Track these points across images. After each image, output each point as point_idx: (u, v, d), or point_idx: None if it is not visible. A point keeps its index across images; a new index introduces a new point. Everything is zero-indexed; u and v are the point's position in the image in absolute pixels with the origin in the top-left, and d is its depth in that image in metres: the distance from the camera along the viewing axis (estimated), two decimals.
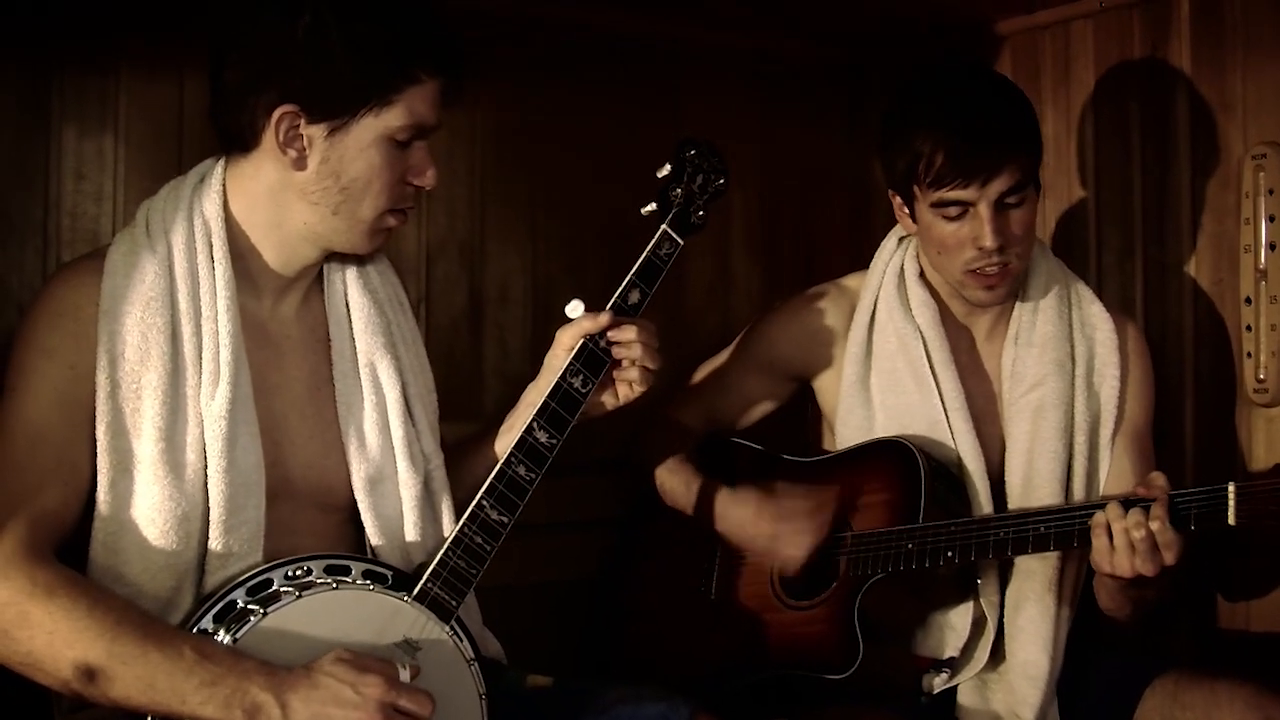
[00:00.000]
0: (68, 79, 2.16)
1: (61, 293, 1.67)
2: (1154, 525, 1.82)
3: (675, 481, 2.22)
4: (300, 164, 1.70)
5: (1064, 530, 1.90)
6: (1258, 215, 2.26)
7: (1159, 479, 1.89)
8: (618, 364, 1.90)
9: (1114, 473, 2.13)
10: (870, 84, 2.98)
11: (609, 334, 1.86)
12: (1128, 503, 1.86)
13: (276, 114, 1.67)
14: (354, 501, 1.80)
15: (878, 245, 2.89)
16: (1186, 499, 1.84)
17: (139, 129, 2.22)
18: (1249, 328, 2.29)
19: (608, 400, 1.91)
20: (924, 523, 1.99)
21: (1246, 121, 2.31)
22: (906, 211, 2.16)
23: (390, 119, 1.70)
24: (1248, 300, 2.29)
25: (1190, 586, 2.29)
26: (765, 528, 2.09)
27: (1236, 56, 2.33)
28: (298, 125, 1.68)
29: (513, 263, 2.59)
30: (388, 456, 1.81)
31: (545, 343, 2.52)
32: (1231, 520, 1.76)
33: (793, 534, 2.06)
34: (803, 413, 2.43)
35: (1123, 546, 1.84)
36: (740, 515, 2.13)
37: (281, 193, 1.73)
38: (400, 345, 1.87)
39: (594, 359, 1.88)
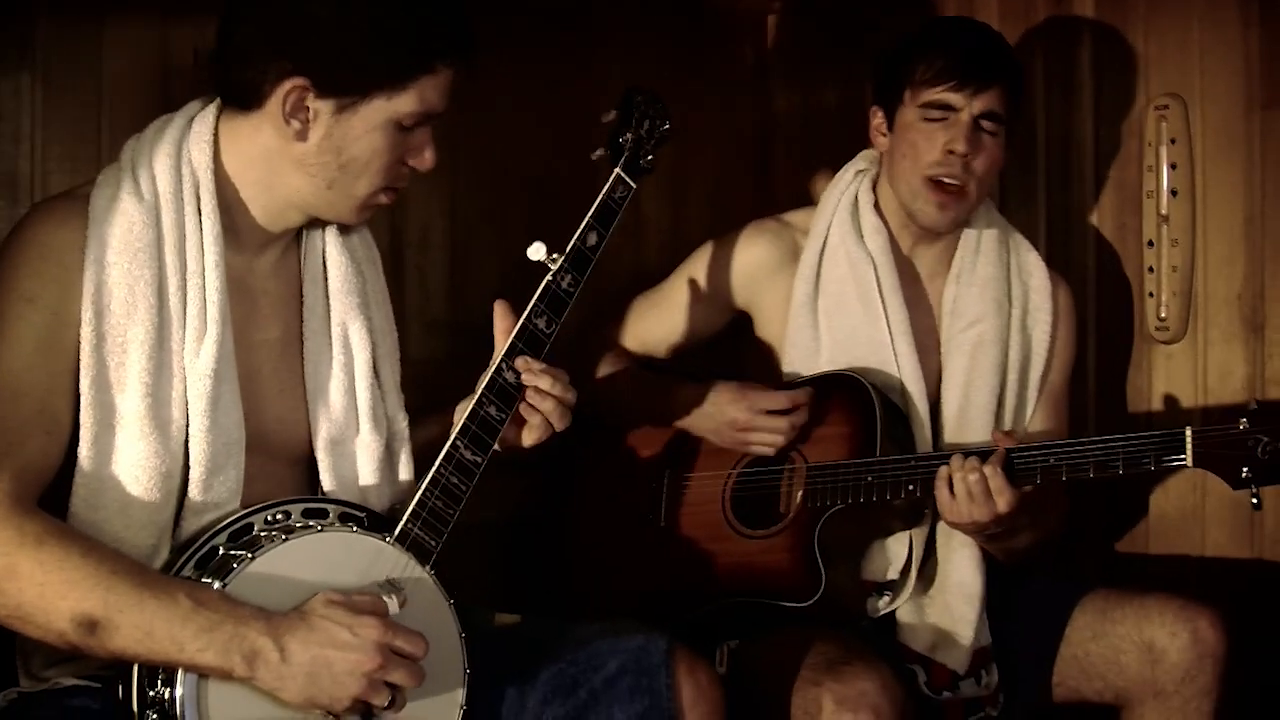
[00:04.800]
0: None
1: (44, 236, 1.61)
2: (986, 470, 1.95)
3: (635, 385, 2.28)
4: (302, 135, 1.67)
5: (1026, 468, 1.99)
6: (1160, 163, 2.40)
7: (1002, 437, 2.03)
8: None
9: (1031, 426, 2.26)
10: (780, 35, 3.05)
11: (524, 377, 1.82)
12: (969, 453, 2.00)
13: (287, 84, 1.63)
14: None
15: (780, 191, 3.00)
16: (1021, 453, 1.97)
17: (58, 68, 2.13)
18: (1151, 269, 2.43)
19: (524, 438, 1.85)
20: (882, 456, 2.07)
21: (1149, 73, 2.45)
22: (885, 126, 2.26)
23: (400, 104, 1.68)
24: (1150, 243, 2.43)
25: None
26: (743, 416, 2.15)
27: (1139, 10, 2.46)
28: (305, 98, 1.65)
29: (433, 207, 2.57)
30: (350, 418, 1.80)
31: (465, 287, 2.57)
32: (1189, 462, 1.88)
33: (770, 429, 2.14)
34: (735, 346, 2.48)
35: (962, 495, 1.97)
36: (717, 403, 2.18)
37: (277, 158, 1.70)
38: (373, 306, 1.86)
39: (558, 300, 1.89)
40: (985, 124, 2.15)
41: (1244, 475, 1.86)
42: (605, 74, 2.72)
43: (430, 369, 2.24)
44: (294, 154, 1.69)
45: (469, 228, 2.61)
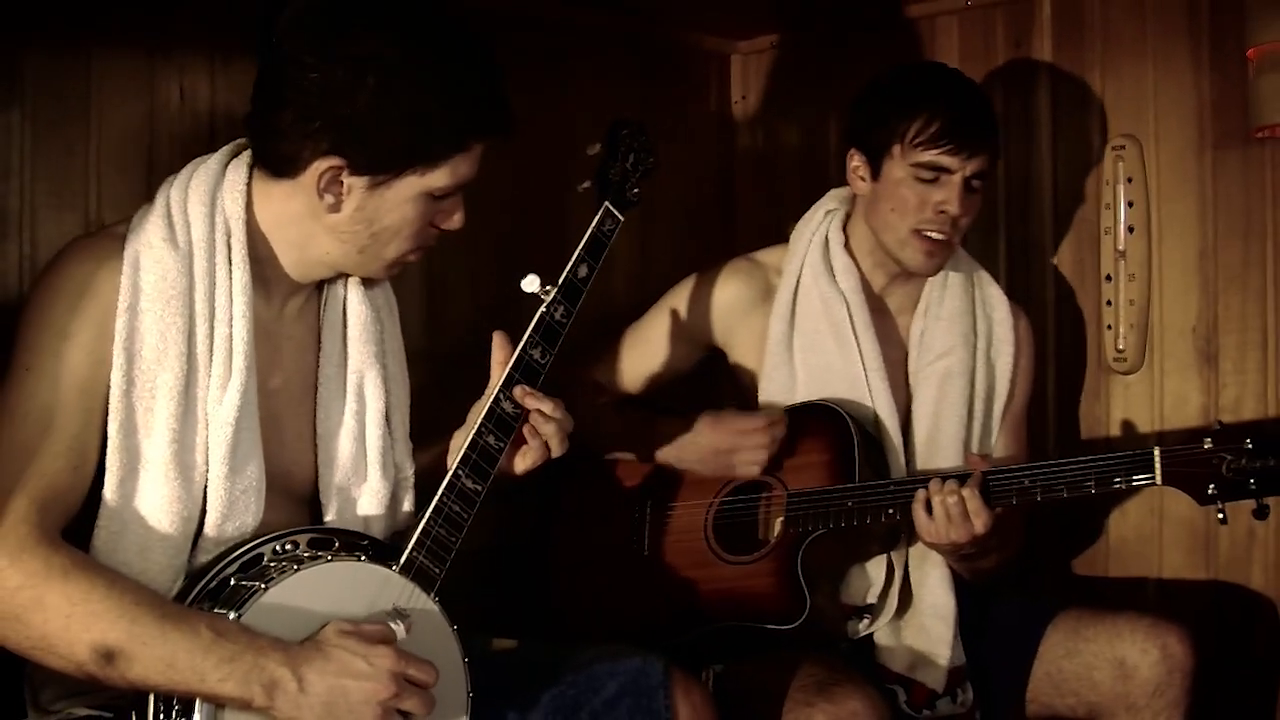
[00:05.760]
0: None
1: (81, 275, 1.63)
2: (964, 492, 2.03)
3: (619, 421, 2.32)
4: (335, 208, 1.70)
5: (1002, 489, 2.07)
6: (1117, 201, 2.51)
7: (977, 461, 2.12)
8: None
9: (995, 451, 2.34)
10: (744, 75, 3.15)
11: (526, 401, 1.86)
12: (947, 476, 2.08)
13: (323, 164, 1.66)
14: None
15: (744, 225, 3.08)
16: (996, 475, 2.06)
17: (46, 105, 2.14)
18: (1109, 303, 2.53)
19: (517, 464, 1.90)
20: (861, 482, 2.14)
21: (1106, 114, 2.56)
22: (866, 170, 2.29)
23: (434, 179, 1.71)
24: (1108, 278, 2.53)
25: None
26: (725, 440, 2.22)
27: (1096, 54, 2.57)
28: (340, 174, 1.68)
29: None
30: (359, 464, 1.83)
31: (440, 318, 2.60)
32: (1159, 480, 1.97)
33: (752, 447, 2.20)
34: (708, 380, 2.55)
35: (940, 516, 2.05)
36: (698, 432, 2.24)
37: (310, 223, 1.73)
38: (389, 355, 1.90)
39: (552, 331, 1.93)
40: (974, 181, 2.22)
41: (1210, 492, 1.95)
42: (576, 110, 2.78)
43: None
44: (326, 222, 1.72)
45: (444, 260, 2.64)
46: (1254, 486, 1.93)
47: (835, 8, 2.88)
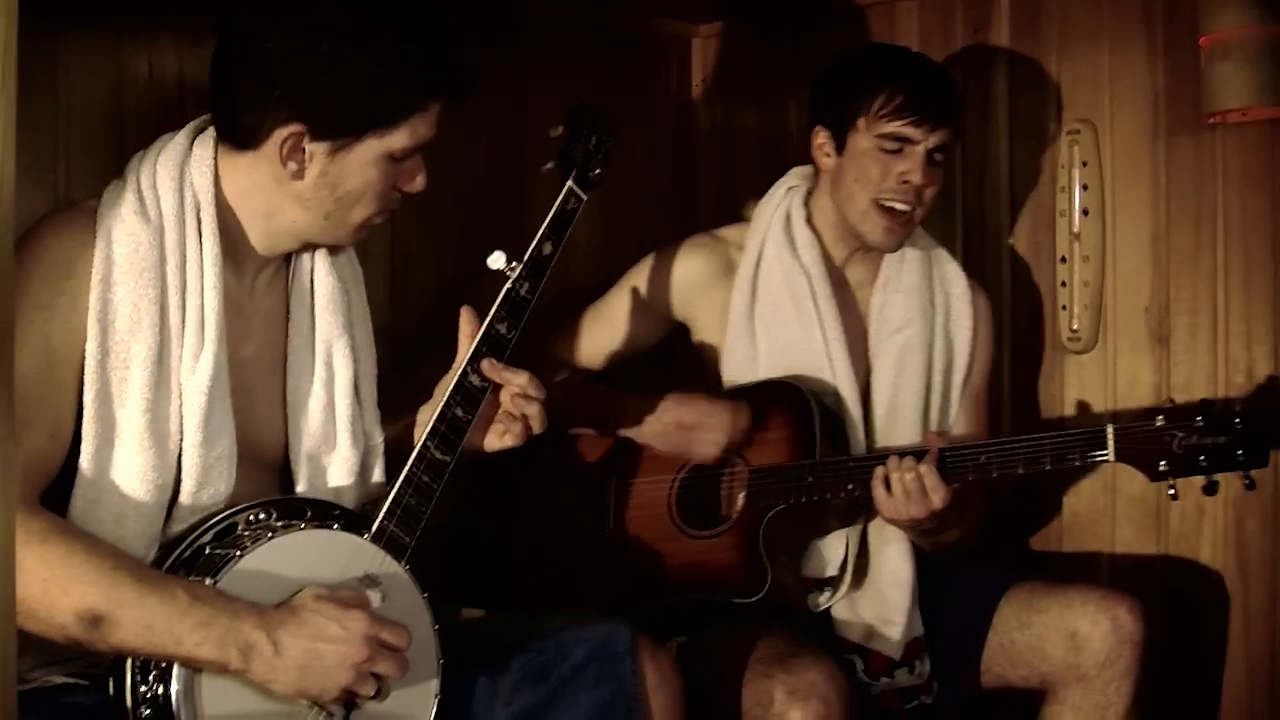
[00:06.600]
0: None
1: (56, 248, 1.65)
2: (921, 469, 2.08)
3: (582, 395, 2.34)
4: (299, 175, 1.73)
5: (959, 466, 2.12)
6: (1072, 184, 2.56)
7: (934, 438, 2.16)
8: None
9: (955, 426, 2.39)
10: (704, 57, 3.18)
11: (494, 375, 1.89)
12: (904, 453, 2.12)
13: (284, 131, 1.69)
14: None
15: (704, 206, 3.12)
16: (953, 452, 2.11)
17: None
18: (1064, 284, 2.58)
19: (495, 442, 1.94)
20: (821, 458, 2.18)
21: (1062, 100, 2.61)
22: (831, 145, 2.34)
23: (393, 141, 1.74)
24: (1063, 259, 2.58)
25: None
26: (690, 415, 2.25)
27: (1053, 41, 2.62)
28: (302, 141, 1.70)
29: None
30: (329, 432, 1.86)
31: (403, 296, 2.62)
32: (1112, 457, 2.01)
33: (715, 428, 2.23)
34: (668, 355, 2.58)
35: (899, 493, 2.09)
36: (664, 408, 2.27)
37: (275, 192, 1.75)
38: (356, 325, 1.93)
39: (518, 306, 1.96)
40: (936, 155, 2.27)
41: (1162, 469, 2.00)
42: (535, 92, 2.80)
43: None
44: (291, 191, 1.75)
45: (406, 240, 2.66)
46: (1204, 463, 1.98)
47: None
